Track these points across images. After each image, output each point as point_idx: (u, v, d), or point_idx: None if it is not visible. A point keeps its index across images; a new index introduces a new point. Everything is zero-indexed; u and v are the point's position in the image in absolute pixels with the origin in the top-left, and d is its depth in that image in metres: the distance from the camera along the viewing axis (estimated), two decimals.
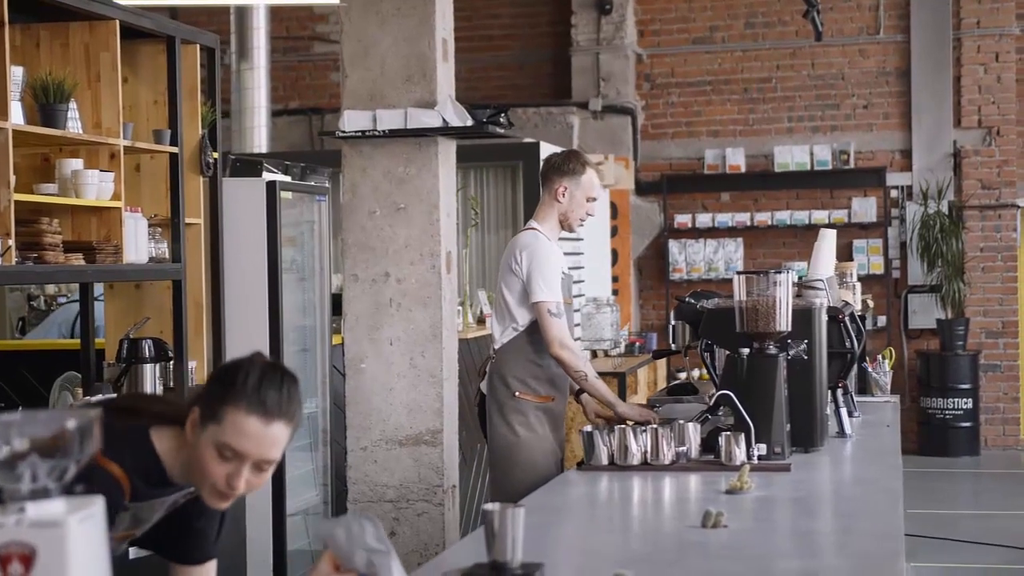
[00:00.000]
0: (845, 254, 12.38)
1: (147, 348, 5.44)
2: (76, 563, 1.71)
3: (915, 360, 12.65)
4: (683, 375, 12.19)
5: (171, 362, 5.59)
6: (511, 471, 5.20)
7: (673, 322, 5.11)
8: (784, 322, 4.37)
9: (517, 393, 5.19)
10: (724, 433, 4.22)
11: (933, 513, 9.74)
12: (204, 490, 2.66)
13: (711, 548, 3.08)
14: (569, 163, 5.32)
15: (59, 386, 5.90)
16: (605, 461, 4.26)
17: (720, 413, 4.44)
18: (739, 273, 4.44)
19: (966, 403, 12.28)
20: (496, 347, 5.29)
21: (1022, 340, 12.78)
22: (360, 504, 5.73)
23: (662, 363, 11.36)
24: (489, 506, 2.73)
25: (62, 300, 8.50)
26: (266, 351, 6.46)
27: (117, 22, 5.15)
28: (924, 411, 12.42)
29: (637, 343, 11.03)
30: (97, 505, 1.77)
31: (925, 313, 12.61)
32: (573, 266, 10.29)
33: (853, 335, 5.00)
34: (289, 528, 6.44)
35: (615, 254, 12.45)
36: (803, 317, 4.52)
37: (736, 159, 12.90)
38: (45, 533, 1.70)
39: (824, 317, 4.66)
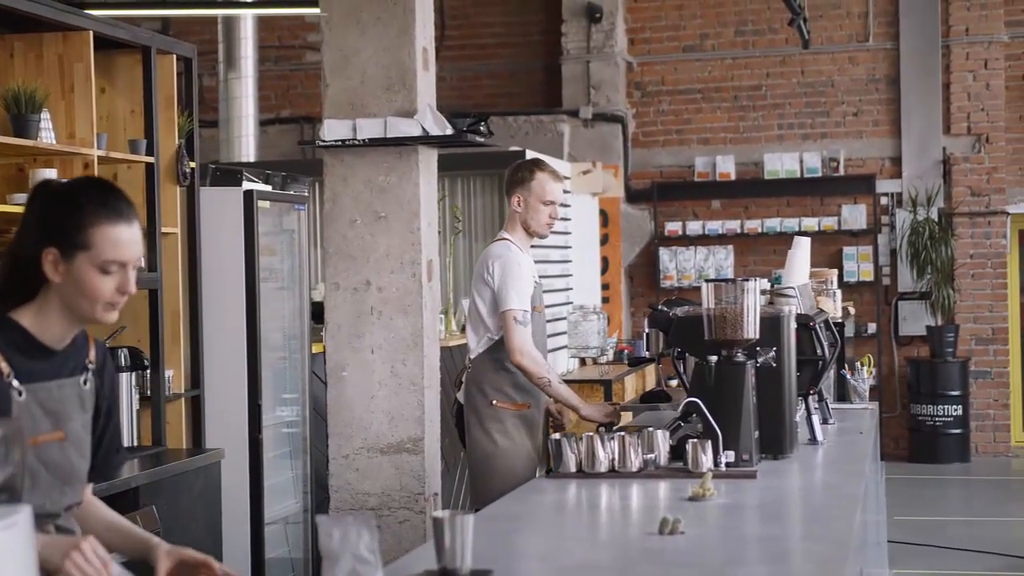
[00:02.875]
0: (835, 261, 12.40)
1: (123, 357, 5.45)
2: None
3: (905, 367, 12.66)
4: (674, 383, 12.19)
5: (147, 371, 5.60)
6: (490, 479, 5.23)
7: (647, 330, 5.13)
8: (752, 330, 4.38)
9: (494, 402, 5.25)
10: (691, 440, 4.23)
11: (922, 520, 9.75)
12: (94, 312, 2.72)
13: (665, 555, 3.10)
14: (518, 172, 5.42)
15: None
16: (573, 468, 4.27)
17: (691, 420, 4.44)
18: (707, 281, 4.45)
19: (956, 410, 12.29)
20: (471, 356, 5.36)
21: (1012, 347, 12.80)
22: (341, 513, 5.73)
23: (651, 370, 11.36)
24: (438, 513, 2.75)
25: None
26: (244, 360, 6.54)
27: (91, 33, 5.17)
28: (914, 418, 12.42)
29: (626, 351, 11.03)
30: (23, 514, 1.79)
31: (915, 320, 12.62)
32: (561, 274, 10.35)
33: (825, 342, 5.00)
34: (268, 536, 6.45)
35: (605, 262, 12.47)
36: (772, 324, 4.53)
37: (726, 167, 12.93)
38: None
39: (793, 325, 4.67)
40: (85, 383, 2.83)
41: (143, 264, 5.63)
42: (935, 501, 10.84)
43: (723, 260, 12.91)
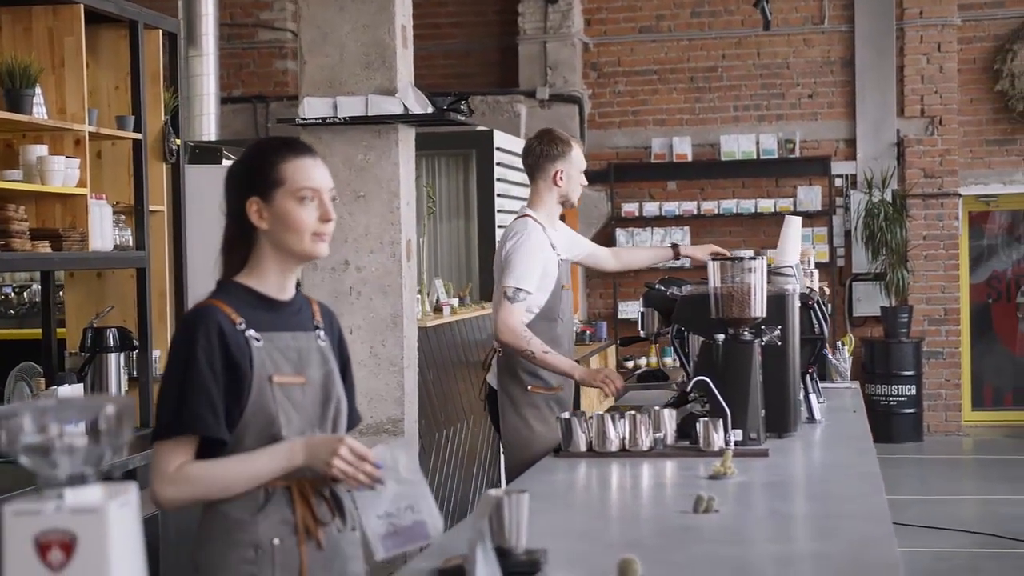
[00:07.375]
0: None
1: (111, 337, 5.36)
2: (116, 548, 1.69)
3: (859, 347, 12.77)
4: (630, 363, 12.24)
5: (135, 351, 5.52)
6: (529, 464, 5.11)
7: (642, 309, 5.10)
8: (759, 308, 4.38)
9: (530, 387, 5.15)
10: (702, 419, 4.23)
11: None
12: (304, 244, 2.85)
13: (706, 533, 3.09)
14: (556, 146, 5.35)
15: (15, 376, 5.81)
16: (583, 448, 4.25)
17: (694, 399, 4.43)
18: (714, 259, 4.45)
19: (909, 390, 12.43)
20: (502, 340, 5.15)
21: (964, 327, 12.95)
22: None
23: (611, 351, 11.39)
24: (494, 492, 2.73)
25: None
26: None
27: (81, 6, 5.07)
28: (868, 398, 12.50)
29: (588, 331, 11.06)
30: (132, 492, 1.75)
31: (869, 300, 12.74)
32: None
33: (823, 320, 5.03)
34: None
35: None
36: (777, 303, 4.53)
37: (683, 148, 12.96)
38: (85, 519, 1.68)
39: (797, 303, 4.69)
40: (320, 340, 2.94)
41: (131, 241, 5.54)
42: (890, 480, 10.83)
43: (679, 241, 12.93)
